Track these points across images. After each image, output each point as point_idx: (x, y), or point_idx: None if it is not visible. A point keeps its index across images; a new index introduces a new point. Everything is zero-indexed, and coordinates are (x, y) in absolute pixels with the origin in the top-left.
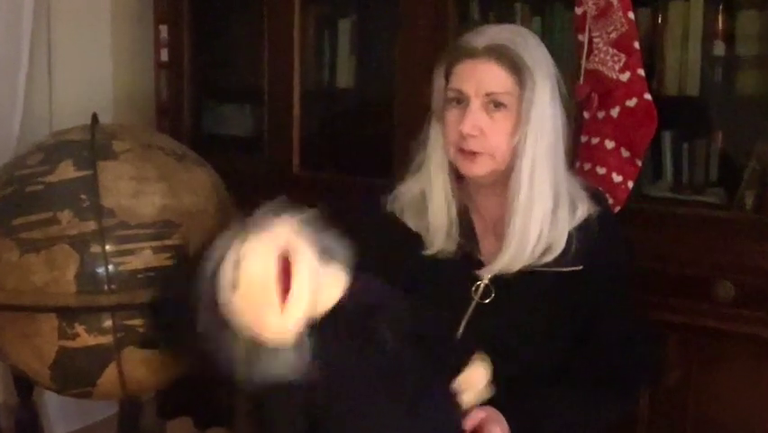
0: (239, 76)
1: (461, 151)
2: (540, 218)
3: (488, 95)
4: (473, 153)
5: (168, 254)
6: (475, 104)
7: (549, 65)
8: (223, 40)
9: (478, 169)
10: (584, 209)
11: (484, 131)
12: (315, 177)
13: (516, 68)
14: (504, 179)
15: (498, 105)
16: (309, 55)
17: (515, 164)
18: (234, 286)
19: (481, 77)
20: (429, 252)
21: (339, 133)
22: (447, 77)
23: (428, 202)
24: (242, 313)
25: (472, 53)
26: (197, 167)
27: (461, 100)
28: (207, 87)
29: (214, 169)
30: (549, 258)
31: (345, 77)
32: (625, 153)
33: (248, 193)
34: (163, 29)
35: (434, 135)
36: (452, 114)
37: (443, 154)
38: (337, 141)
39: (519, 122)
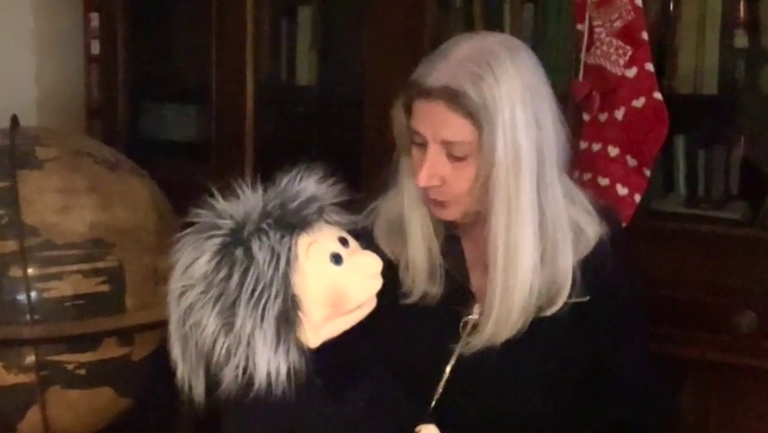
0: (182, 72)
1: (427, 199)
2: (528, 269)
3: (444, 142)
4: (440, 201)
5: (100, 279)
6: (433, 149)
7: (530, 86)
8: (163, 30)
9: (449, 214)
10: (594, 233)
11: (445, 179)
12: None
13: (472, 113)
14: (485, 213)
15: (455, 156)
16: (264, 48)
17: (488, 204)
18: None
19: (436, 122)
20: (410, 299)
21: (299, 138)
22: (408, 113)
23: (406, 237)
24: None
25: (426, 93)
26: (134, 177)
27: (422, 141)
28: (145, 85)
29: (153, 179)
30: (552, 310)
31: (306, 72)
32: (631, 162)
33: (193, 207)
34: (94, 17)
35: (407, 168)
36: (415, 156)
37: (417, 189)
38: (297, 146)
39: (483, 166)
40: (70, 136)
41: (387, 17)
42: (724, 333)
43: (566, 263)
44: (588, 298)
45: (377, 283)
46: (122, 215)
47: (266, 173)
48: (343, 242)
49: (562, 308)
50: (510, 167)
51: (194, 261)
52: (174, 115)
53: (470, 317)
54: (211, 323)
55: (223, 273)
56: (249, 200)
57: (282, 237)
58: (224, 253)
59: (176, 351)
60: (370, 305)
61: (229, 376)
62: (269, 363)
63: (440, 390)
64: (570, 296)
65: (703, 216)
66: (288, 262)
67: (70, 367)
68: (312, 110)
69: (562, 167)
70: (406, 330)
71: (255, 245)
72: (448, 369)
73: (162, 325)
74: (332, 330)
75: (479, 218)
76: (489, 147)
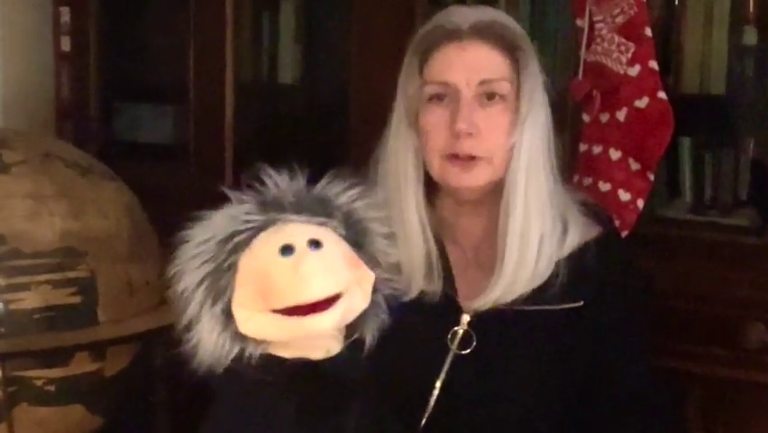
0: (158, 70)
1: (453, 159)
2: (538, 237)
3: (482, 83)
4: (470, 159)
5: (71, 290)
6: (468, 96)
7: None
8: (139, 25)
9: (474, 178)
10: (577, 233)
11: (481, 128)
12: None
13: (513, 48)
14: (491, 194)
15: (492, 96)
16: (245, 44)
17: (508, 171)
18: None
19: (472, 62)
20: (407, 297)
21: (282, 139)
22: (422, 68)
23: (398, 233)
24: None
25: (457, 35)
26: (107, 182)
27: (445, 96)
28: (119, 84)
29: (127, 184)
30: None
31: (289, 69)
32: (634, 165)
33: (170, 214)
34: (64, 11)
35: (402, 148)
36: (434, 114)
37: (416, 172)
38: (280, 148)
39: (517, 115)
40: (39, 138)
41: (375, 11)
42: (732, 347)
43: (548, 249)
44: (581, 303)
45: (310, 290)
46: (94, 222)
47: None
48: (315, 244)
49: (554, 317)
50: (537, 124)
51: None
52: (150, 116)
53: (457, 328)
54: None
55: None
56: (285, 184)
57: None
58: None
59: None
60: (315, 323)
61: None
62: (211, 328)
63: (430, 407)
64: (561, 300)
65: (710, 224)
66: (247, 237)
67: (39, 383)
68: (296, 110)
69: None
70: (391, 346)
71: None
72: (438, 384)
73: (136, 338)
74: (262, 325)
75: (480, 204)
76: (527, 91)
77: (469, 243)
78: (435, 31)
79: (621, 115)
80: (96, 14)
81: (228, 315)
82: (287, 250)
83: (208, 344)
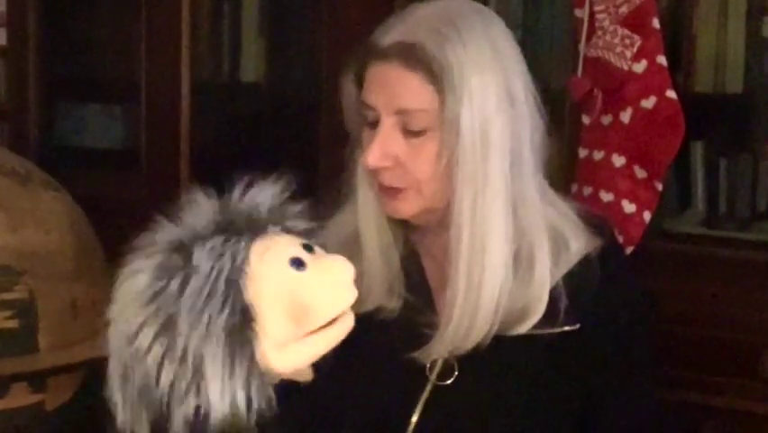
0: (106, 66)
1: (379, 186)
2: (496, 275)
3: (400, 112)
4: (395, 189)
5: (7, 313)
6: (386, 123)
7: (502, 56)
8: (84, 16)
9: (403, 209)
10: (579, 246)
11: (400, 159)
12: (215, 189)
13: (433, 73)
14: (445, 213)
15: (412, 131)
16: (203, 37)
17: (453, 196)
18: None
19: (390, 87)
20: (362, 308)
21: (244, 144)
22: (360, 84)
23: (361, 245)
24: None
25: (380, 54)
26: (48, 192)
27: (374, 117)
28: (62, 82)
29: (71, 194)
30: (523, 327)
31: (252, 67)
32: (639, 173)
33: (119, 227)
34: (0, 2)
35: (361, 164)
36: (367, 136)
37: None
38: (242, 154)
39: (445, 142)
40: None
41: (348, 3)
42: (750, 376)
43: (542, 272)
44: (578, 326)
45: (349, 293)
46: (33, 237)
47: (205, 185)
48: (308, 248)
49: (548, 342)
50: (478, 144)
51: (129, 282)
52: (96, 118)
53: (437, 355)
54: (151, 349)
55: (158, 286)
56: (195, 211)
57: (227, 240)
58: (162, 266)
59: (116, 395)
60: (346, 322)
61: (178, 415)
62: (223, 391)
63: None
64: (557, 323)
65: (725, 239)
66: (233, 263)
67: None
68: (259, 111)
69: (538, 164)
70: (361, 374)
71: (196, 250)
72: (414, 419)
73: (81, 367)
74: (302, 355)
75: (443, 223)
76: (453, 117)
77: (443, 257)
78: (368, 45)
79: (625, 116)
80: (35, 4)
81: (232, 355)
82: (297, 263)
83: (221, 406)
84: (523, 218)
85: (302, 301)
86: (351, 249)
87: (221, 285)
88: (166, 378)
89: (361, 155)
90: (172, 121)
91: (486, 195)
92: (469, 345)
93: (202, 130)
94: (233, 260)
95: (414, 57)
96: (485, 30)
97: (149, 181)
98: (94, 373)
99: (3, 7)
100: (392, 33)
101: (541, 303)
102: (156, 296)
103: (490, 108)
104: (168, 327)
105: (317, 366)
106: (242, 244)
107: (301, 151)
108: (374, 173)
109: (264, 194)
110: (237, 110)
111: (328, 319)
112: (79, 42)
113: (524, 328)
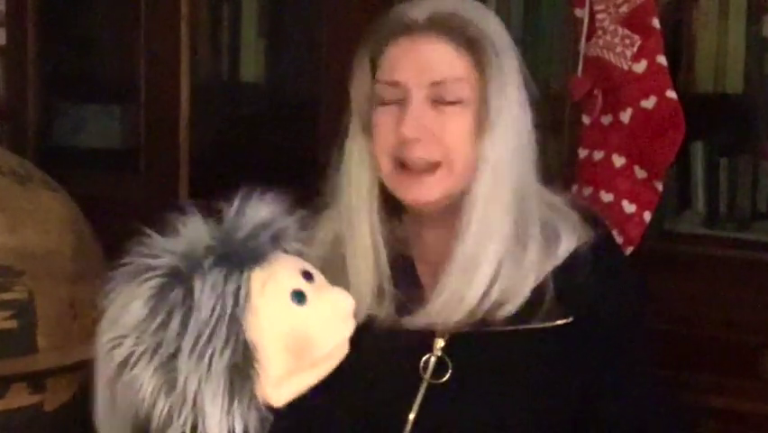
0: (105, 66)
1: (402, 168)
2: (498, 252)
3: (434, 84)
4: (426, 168)
5: (6, 313)
6: (417, 97)
7: (512, 46)
8: (83, 16)
9: (427, 191)
10: (571, 240)
11: (434, 132)
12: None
13: (473, 44)
14: (454, 206)
15: (446, 102)
16: (202, 37)
17: (469, 187)
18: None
19: (424, 60)
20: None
21: (244, 145)
22: (374, 65)
23: (346, 251)
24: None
25: (409, 28)
26: (47, 192)
27: (397, 96)
28: (61, 82)
29: (70, 195)
30: (505, 310)
31: (252, 67)
32: (639, 173)
33: (118, 227)
34: None
35: (356, 152)
36: (384, 115)
37: (370, 178)
38: (241, 155)
39: (482, 118)
40: None
41: (348, 3)
42: (751, 377)
43: (532, 257)
44: (571, 319)
45: (348, 326)
46: (32, 237)
47: (205, 187)
48: (307, 276)
49: (541, 337)
50: (508, 126)
51: (125, 308)
52: (95, 118)
53: (430, 354)
54: (148, 381)
55: (159, 320)
56: (190, 233)
57: (229, 274)
58: (161, 296)
59: (104, 426)
60: (340, 353)
61: None
62: (221, 424)
63: None
64: (549, 317)
65: (725, 239)
66: (236, 303)
67: None
68: (259, 111)
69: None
70: (356, 376)
71: (197, 285)
72: (411, 417)
73: (80, 367)
74: (298, 387)
75: (446, 215)
76: (495, 90)
77: (438, 256)
78: (388, 24)
79: (625, 116)
80: (35, 3)
81: (231, 393)
82: (299, 297)
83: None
84: (526, 200)
85: (303, 337)
86: (333, 260)
87: (223, 325)
88: (160, 410)
89: (369, 142)
90: (172, 121)
91: (503, 180)
92: (457, 315)
93: (201, 130)
94: (236, 297)
95: (450, 26)
96: (499, 21)
97: (148, 182)
98: (92, 373)
99: (2, 7)
100: (422, 7)
101: (519, 291)
102: (156, 331)
103: (514, 84)
104: (166, 363)
105: None
106: (244, 276)
107: (301, 151)
108: (398, 149)
109: (262, 213)
110: (237, 110)
111: (327, 352)
112: (78, 42)
113: (506, 312)
